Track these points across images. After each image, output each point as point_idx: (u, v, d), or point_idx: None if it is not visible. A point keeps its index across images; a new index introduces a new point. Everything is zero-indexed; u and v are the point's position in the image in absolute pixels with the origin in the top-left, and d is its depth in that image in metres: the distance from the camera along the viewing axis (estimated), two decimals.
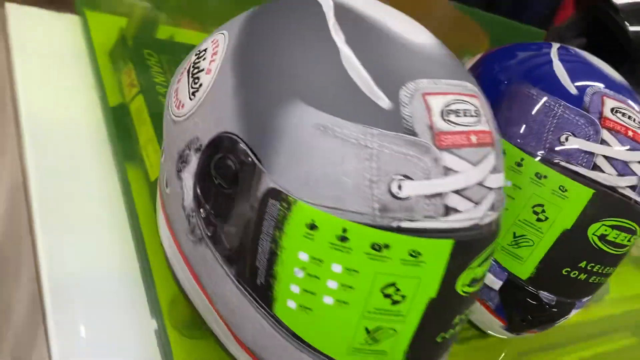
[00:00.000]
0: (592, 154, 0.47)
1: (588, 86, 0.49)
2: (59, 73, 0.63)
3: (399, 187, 0.31)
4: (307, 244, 0.32)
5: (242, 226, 0.34)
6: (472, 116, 0.34)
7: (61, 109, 0.59)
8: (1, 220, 0.69)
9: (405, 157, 0.31)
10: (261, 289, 0.34)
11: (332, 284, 0.32)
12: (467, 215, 0.33)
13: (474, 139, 0.34)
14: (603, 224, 0.48)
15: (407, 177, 0.31)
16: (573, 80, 0.49)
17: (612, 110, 0.48)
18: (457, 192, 0.33)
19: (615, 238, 0.49)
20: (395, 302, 0.33)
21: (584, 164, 0.47)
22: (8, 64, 0.63)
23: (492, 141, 0.35)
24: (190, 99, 0.37)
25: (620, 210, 0.48)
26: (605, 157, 0.47)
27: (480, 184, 0.34)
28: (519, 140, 0.49)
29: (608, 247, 0.49)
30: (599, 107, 0.48)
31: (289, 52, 0.34)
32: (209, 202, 0.35)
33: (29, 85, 0.60)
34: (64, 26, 0.67)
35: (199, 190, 0.36)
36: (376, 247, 0.32)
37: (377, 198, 0.31)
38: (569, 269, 0.49)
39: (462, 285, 0.35)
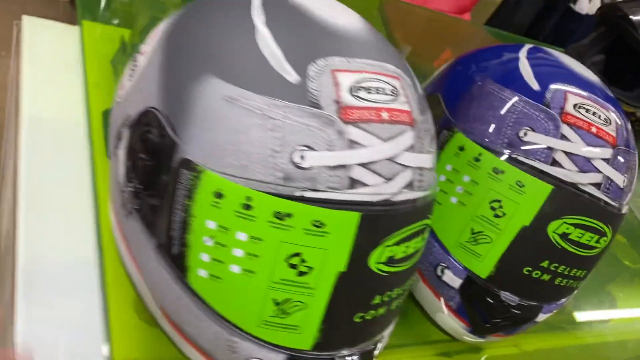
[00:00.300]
0: (551, 149, 0.46)
1: (552, 83, 0.48)
2: (61, 79, 0.67)
3: (302, 157, 0.32)
4: (215, 212, 0.33)
5: (160, 197, 0.35)
6: (386, 94, 0.35)
7: (58, 111, 0.63)
8: (8, 217, 0.73)
9: (308, 128, 0.32)
10: (176, 259, 0.35)
11: (238, 252, 0.33)
12: (376, 190, 0.34)
13: (385, 115, 0.34)
14: (564, 222, 0.47)
15: (309, 147, 0.32)
16: (538, 77, 0.49)
17: (574, 106, 0.47)
18: (363, 165, 0.33)
19: (580, 237, 0.47)
20: (301, 273, 0.33)
21: (542, 159, 0.46)
22: (17, 71, 0.68)
23: (410, 121, 0.36)
24: (129, 80, 0.39)
25: (582, 208, 0.47)
26: (565, 152, 0.46)
27: (392, 160, 0.34)
28: (478, 136, 0.48)
29: (572, 247, 0.47)
30: (560, 103, 0.47)
31: (209, 31, 0.35)
32: (136, 176, 0.37)
33: (31, 90, 0.64)
34: (73, 37, 0.71)
35: (128, 165, 0.37)
36: (279, 216, 0.32)
37: (280, 167, 0.32)
38: (530, 268, 0.48)
39: (376, 263, 0.35)
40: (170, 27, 0.38)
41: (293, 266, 0.33)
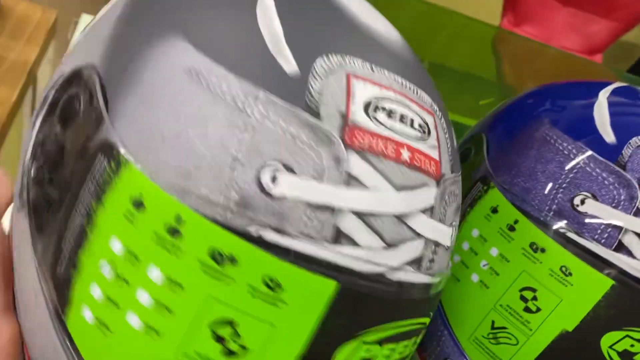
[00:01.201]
0: (618, 228, 0.32)
1: (636, 136, 0.34)
2: None
3: (273, 179, 0.22)
4: (125, 227, 0.23)
5: (63, 188, 0.25)
6: (412, 128, 0.24)
7: None
8: None
9: (294, 140, 0.22)
10: (59, 282, 0.25)
11: (144, 298, 0.23)
12: (368, 255, 0.23)
13: (406, 155, 0.24)
14: (628, 336, 0.32)
15: (288, 167, 0.22)
16: (616, 126, 0.35)
17: None
18: (359, 215, 0.23)
19: None
20: (230, 353, 0.23)
21: (603, 241, 0.32)
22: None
23: (436, 173, 0.25)
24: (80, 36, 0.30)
25: None
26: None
27: (401, 219, 0.24)
28: (518, 196, 0.35)
29: None
30: None
31: None
32: (42, 152, 0.27)
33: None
34: None
35: (38, 137, 0.27)
36: (217, 257, 0.22)
37: (238, 186, 0.22)
38: None
39: None
40: None
41: (220, 339, 0.23)
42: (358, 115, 0.23)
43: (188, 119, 0.23)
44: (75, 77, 0.26)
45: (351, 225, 0.23)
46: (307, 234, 0.22)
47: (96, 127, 0.24)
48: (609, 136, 0.35)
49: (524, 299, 0.34)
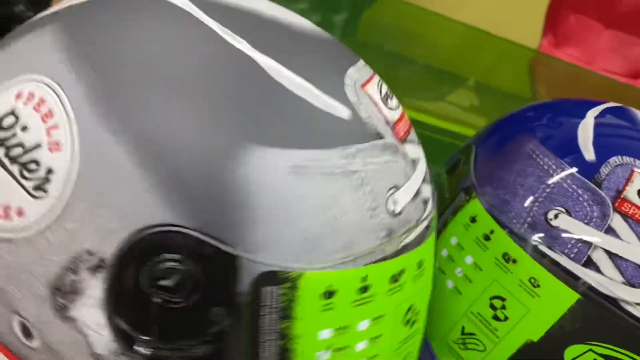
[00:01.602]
0: (588, 243, 0.33)
1: (616, 155, 0.35)
2: None
3: (394, 202, 0.26)
4: (327, 317, 0.25)
5: (225, 339, 0.25)
6: (393, 98, 0.29)
7: None
8: None
9: (387, 165, 0.26)
10: None
11: (362, 345, 0.26)
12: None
13: (405, 124, 0.29)
14: (591, 350, 0.33)
15: (396, 187, 0.27)
16: (598, 145, 0.36)
17: None
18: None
19: None
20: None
21: (572, 256, 0.33)
22: None
23: None
24: (36, 196, 0.24)
25: (623, 337, 0.33)
26: (609, 253, 0.33)
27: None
28: (496, 207, 0.36)
29: None
30: (619, 183, 0.34)
31: (181, 74, 0.24)
32: (152, 332, 0.24)
33: None
34: None
35: (126, 323, 0.24)
36: (394, 279, 0.26)
37: (382, 224, 0.26)
38: None
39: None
40: (99, 86, 0.24)
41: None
42: (388, 114, 0.28)
43: (323, 207, 0.24)
44: (142, 247, 0.23)
45: (427, 191, 0.29)
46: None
47: (234, 269, 0.24)
48: (590, 154, 0.35)
49: (493, 307, 0.35)
